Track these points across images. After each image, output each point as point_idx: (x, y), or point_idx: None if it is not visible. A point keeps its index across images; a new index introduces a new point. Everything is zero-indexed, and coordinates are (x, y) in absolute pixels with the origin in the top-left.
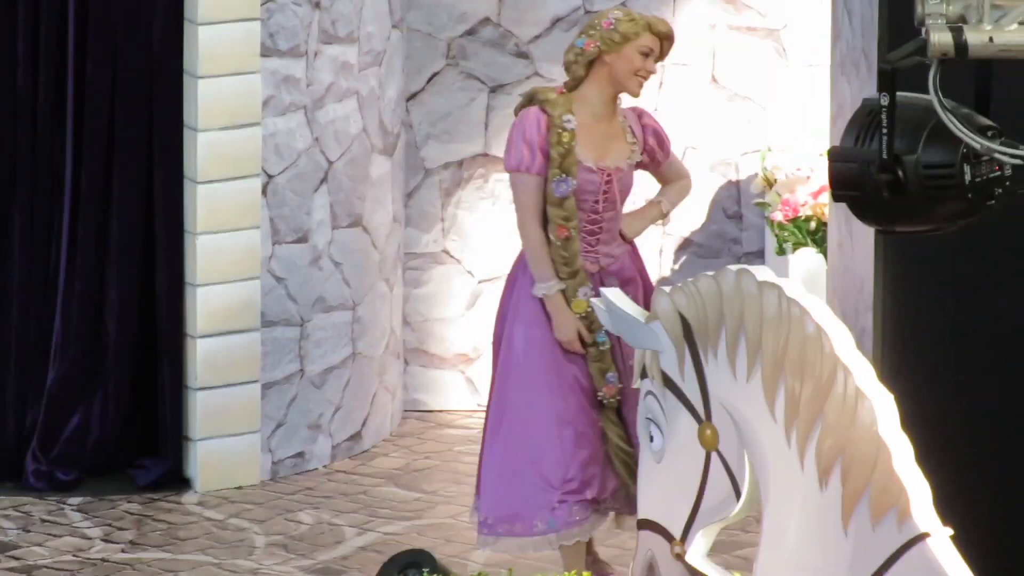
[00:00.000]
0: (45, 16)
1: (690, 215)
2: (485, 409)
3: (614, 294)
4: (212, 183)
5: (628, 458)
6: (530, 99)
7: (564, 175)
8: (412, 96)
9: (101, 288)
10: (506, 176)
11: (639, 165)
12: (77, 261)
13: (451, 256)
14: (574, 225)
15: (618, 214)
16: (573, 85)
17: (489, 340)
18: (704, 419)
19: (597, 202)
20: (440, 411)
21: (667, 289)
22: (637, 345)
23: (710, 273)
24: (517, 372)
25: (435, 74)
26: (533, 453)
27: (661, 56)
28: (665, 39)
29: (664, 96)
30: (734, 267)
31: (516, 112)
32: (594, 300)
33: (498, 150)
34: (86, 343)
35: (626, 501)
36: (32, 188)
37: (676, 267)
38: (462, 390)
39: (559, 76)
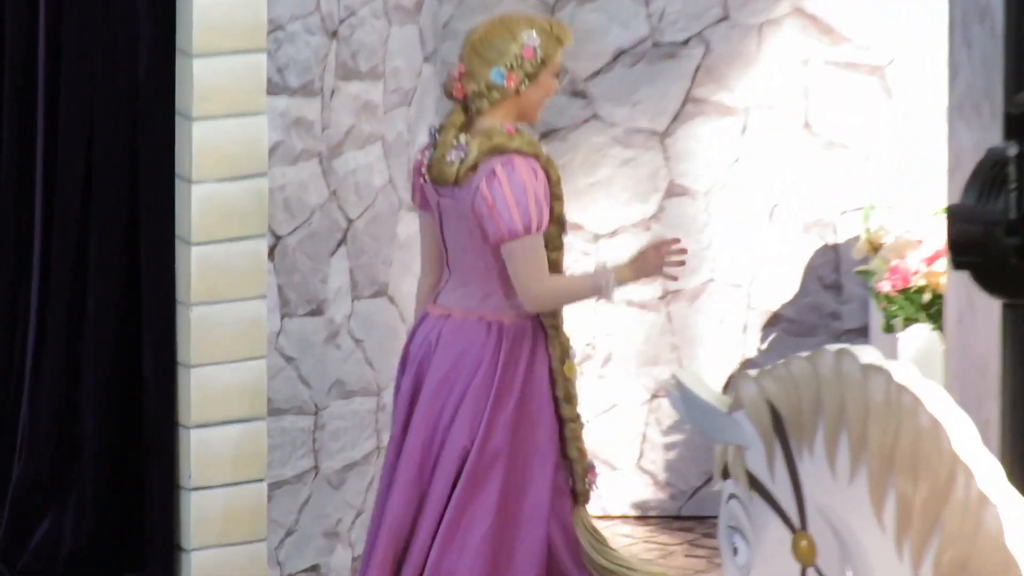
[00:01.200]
0: (10, 50)
1: (779, 285)
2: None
3: (688, 376)
4: (209, 244)
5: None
6: (493, 151)
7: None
8: None
9: (76, 370)
10: None
11: None
12: (47, 339)
13: None
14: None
15: None
16: (465, 118)
17: None
18: (799, 528)
19: None
20: None
21: (753, 373)
22: (717, 439)
23: (804, 354)
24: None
25: None
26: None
27: None
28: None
29: (748, 143)
30: (833, 347)
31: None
32: (666, 384)
33: None
34: (58, 435)
35: None
36: None
37: (763, 347)
38: None
39: (621, 118)
